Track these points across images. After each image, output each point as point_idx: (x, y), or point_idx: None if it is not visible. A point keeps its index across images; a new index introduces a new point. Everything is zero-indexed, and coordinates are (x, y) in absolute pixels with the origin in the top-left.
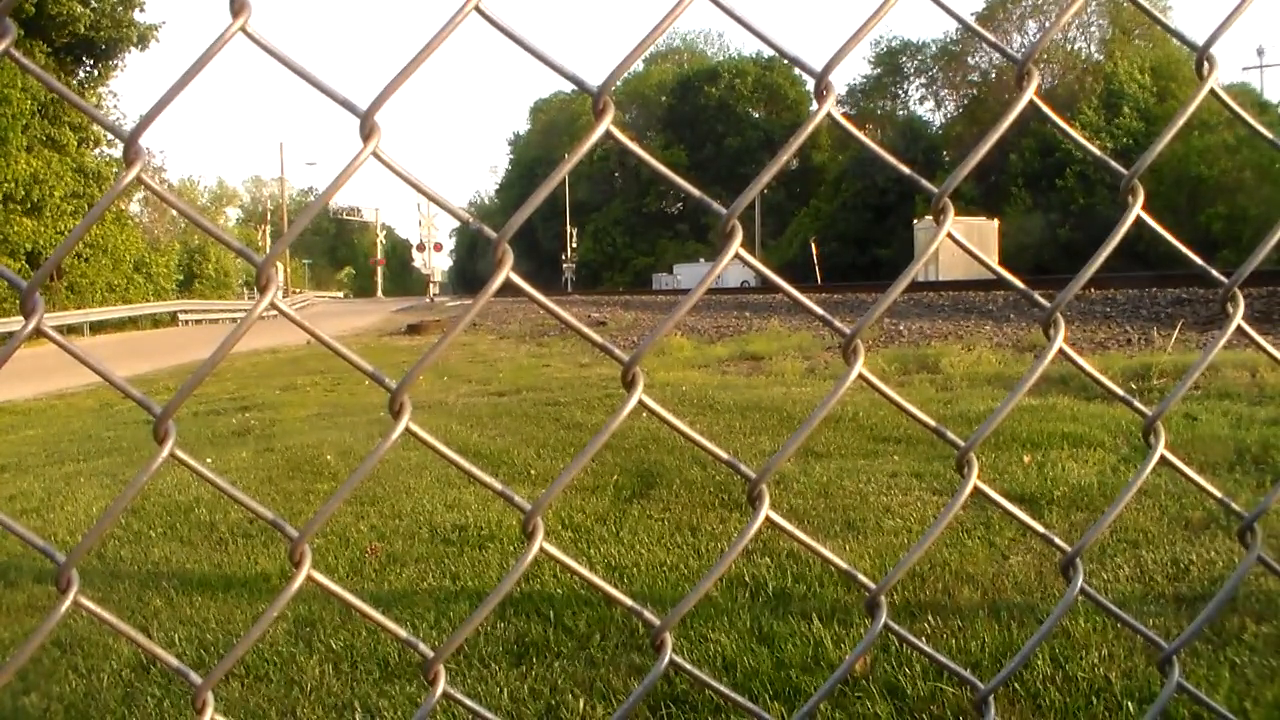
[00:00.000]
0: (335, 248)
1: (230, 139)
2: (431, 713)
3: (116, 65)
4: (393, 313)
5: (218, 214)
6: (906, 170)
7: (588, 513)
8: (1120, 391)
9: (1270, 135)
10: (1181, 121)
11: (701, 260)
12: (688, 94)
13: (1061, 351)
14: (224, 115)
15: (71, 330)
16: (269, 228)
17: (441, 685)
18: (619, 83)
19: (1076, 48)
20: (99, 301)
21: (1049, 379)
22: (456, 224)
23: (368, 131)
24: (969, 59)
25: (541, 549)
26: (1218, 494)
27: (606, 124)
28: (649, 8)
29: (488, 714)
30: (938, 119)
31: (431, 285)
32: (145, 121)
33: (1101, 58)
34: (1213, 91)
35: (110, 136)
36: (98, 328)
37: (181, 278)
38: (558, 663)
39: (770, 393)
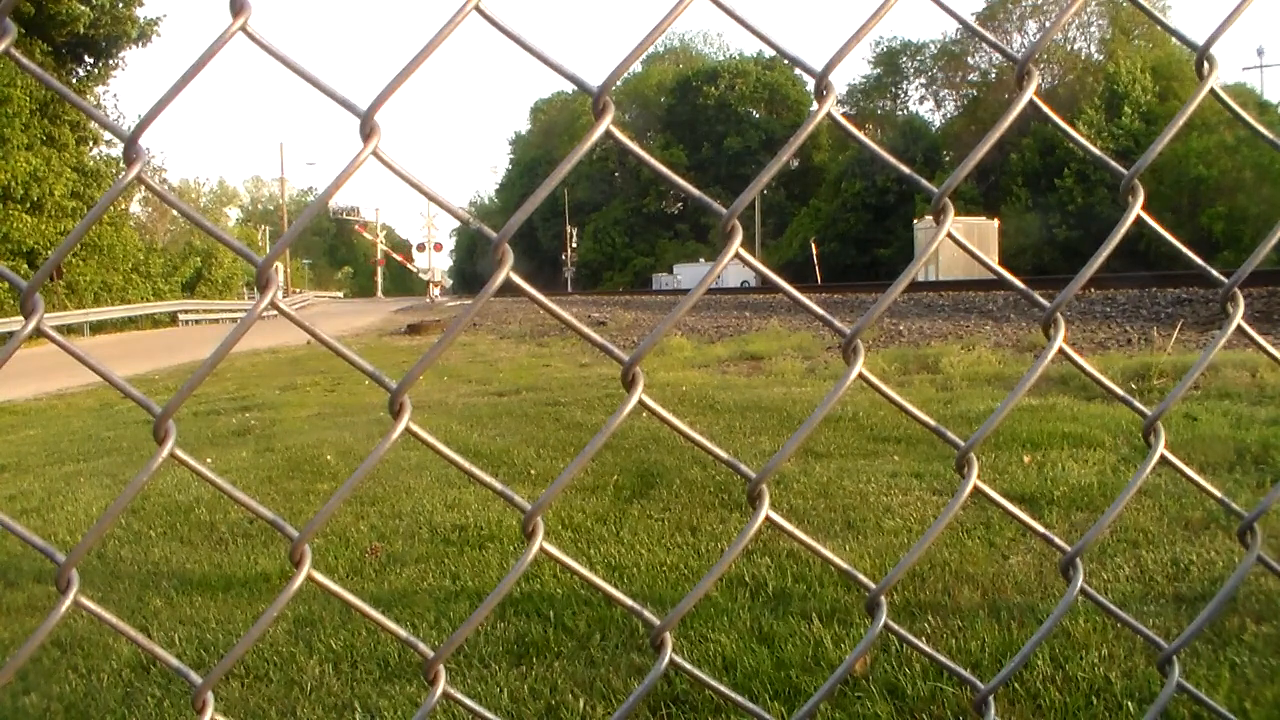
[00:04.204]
0: (335, 248)
1: (230, 139)
2: (431, 713)
3: (116, 64)
4: (392, 313)
5: (218, 214)
6: (906, 170)
7: (588, 513)
8: (1120, 391)
9: (1270, 135)
10: (1181, 121)
11: (701, 260)
12: (687, 94)
13: (1061, 351)
14: (224, 115)
15: (71, 330)
16: (269, 229)
17: (441, 685)
18: (619, 83)
19: (1076, 48)
20: (96, 301)
21: (1049, 379)
22: (456, 224)
23: (368, 131)
24: (969, 59)
25: (541, 549)
26: (1218, 494)
27: (606, 124)
28: (649, 8)
29: (488, 714)
30: (938, 119)
31: (433, 286)
32: (145, 121)
33: (1101, 58)
34: (1213, 91)
35: (109, 135)
36: (98, 328)
37: (186, 280)
38: (558, 663)
39: (770, 393)
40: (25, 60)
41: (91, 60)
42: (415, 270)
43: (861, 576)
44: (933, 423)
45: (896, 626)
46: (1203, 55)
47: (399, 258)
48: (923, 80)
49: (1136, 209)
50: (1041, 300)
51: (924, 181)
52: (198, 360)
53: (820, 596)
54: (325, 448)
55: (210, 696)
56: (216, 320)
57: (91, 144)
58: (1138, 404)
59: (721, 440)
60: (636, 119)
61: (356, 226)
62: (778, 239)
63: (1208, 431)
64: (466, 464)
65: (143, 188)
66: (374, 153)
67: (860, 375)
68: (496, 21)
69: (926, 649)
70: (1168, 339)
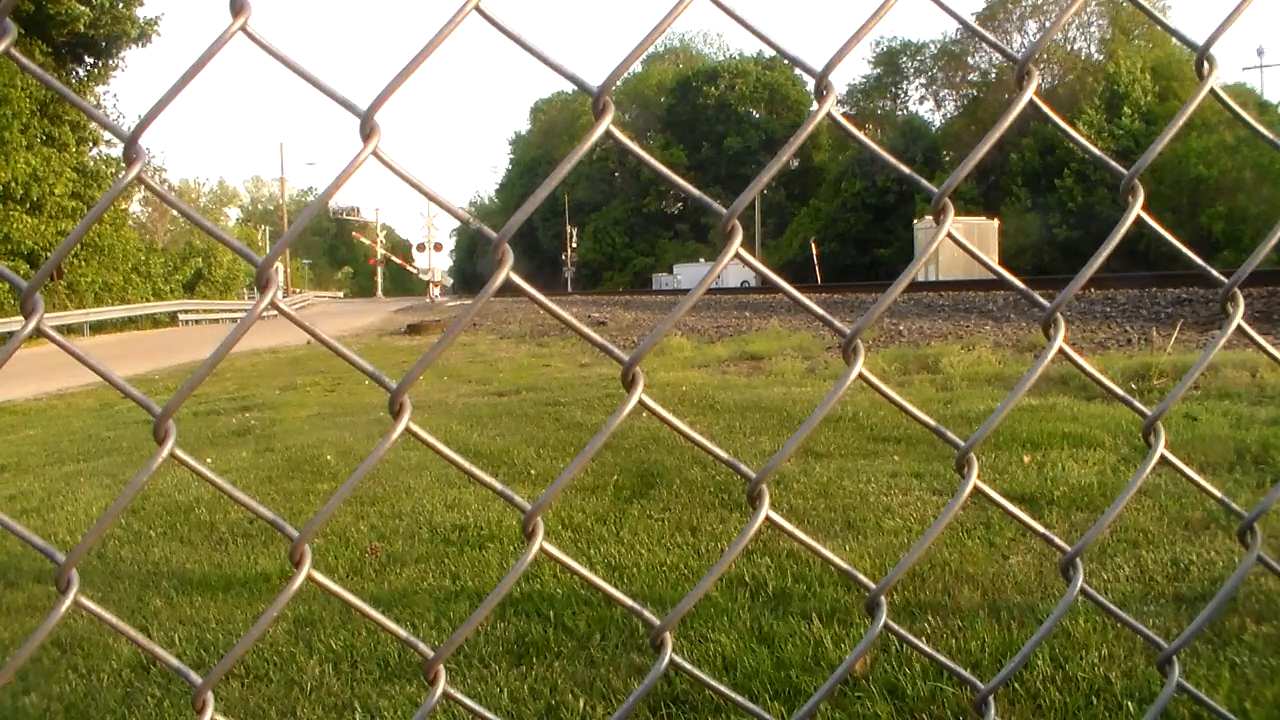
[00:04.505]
0: (335, 248)
1: (230, 139)
2: (431, 713)
3: (116, 64)
4: (392, 313)
5: (218, 214)
6: (906, 170)
7: (588, 513)
8: (1120, 391)
9: (1270, 135)
10: (1181, 121)
11: (701, 260)
12: (687, 94)
13: (1061, 351)
14: (224, 115)
15: (71, 330)
16: (269, 229)
17: (441, 685)
18: (619, 83)
19: (1076, 48)
20: (97, 302)
21: (1049, 379)
22: (456, 224)
23: (368, 131)
24: (969, 59)
25: (541, 549)
26: (1218, 494)
27: (606, 124)
28: (649, 8)
29: (488, 714)
30: (938, 119)
31: (433, 286)
32: (145, 121)
33: (1101, 58)
34: (1213, 91)
35: (109, 136)
36: (98, 328)
37: (186, 280)
38: (558, 663)
39: (770, 393)
40: (25, 60)
41: (91, 60)
42: (415, 271)
43: (861, 576)
44: (933, 423)
45: (896, 626)
46: (1203, 55)
47: (398, 260)
48: (923, 80)
49: (1136, 209)
50: (1041, 300)
51: (924, 181)
52: (198, 360)
53: (820, 596)
54: (325, 448)
55: (210, 696)
56: (216, 320)
57: (91, 144)
58: (1138, 404)
59: (721, 440)
60: (636, 119)
61: (354, 233)
62: (778, 239)
63: (1208, 431)
64: (466, 464)
65: (143, 188)
66: (374, 153)
67: (860, 375)
68: (496, 21)
69: (926, 649)
70: (1168, 339)
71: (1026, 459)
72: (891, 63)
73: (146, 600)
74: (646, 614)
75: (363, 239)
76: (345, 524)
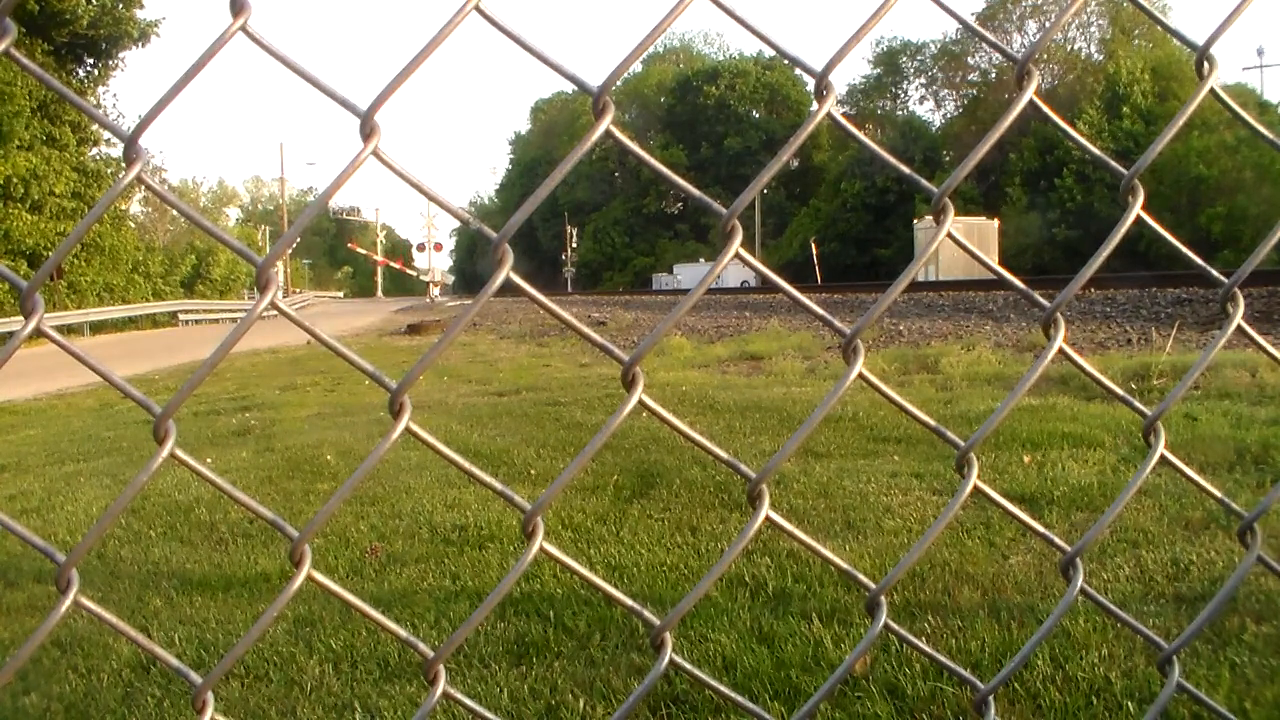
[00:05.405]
0: (335, 248)
1: (230, 139)
2: (431, 713)
3: (116, 64)
4: (392, 313)
5: (218, 214)
6: (906, 170)
7: (588, 513)
8: (1120, 391)
9: (1270, 135)
10: (1181, 121)
11: (701, 260)
12: (687, 94)
13: (1061, 351)
14: (224, 115)
15: (71, 330)
16: (269, 229)
17: (441, 685)
18: (619, 83)
19: (1076, 48)
20: (99, 302)
21: (1049, 379)
22: (456, 224)
23: (368, 131)
24: (969, 59)
25: (541, 549)
26: (1218, 494)
27: (606, 124)
28: (649, 8)
29: (488, 714)
30: (938, 119)
31: (433, 286)
32: (145, 121)
33: (1101, 58)
34: (1213, 91)
35: (109, 136)
36: (98, 328)
37: (183, 279)
38: (558, 663)
39: (770, 393)
40: (25, 60)
41: (92, 61)
42: (415, 273)
43: (861, 576)
44: (933, 423)
45: (896, 626)
46: (1203, 55)
47: (396, 264)
48: (923, 80)
49: (1136, 209)
50: (1041, 300)
51: (924, 181)
52: (198, 360)
53: (820, 596)
54: (325, 448)
55: (210, 696)
56: (216, 320)
57: (91, 144)
58: (1138, 404)
59: (721, 440)
60: (636, 119)
61: (350, 243)
62: (778, 239)
63: (1208, 431)
64: (466, 464)
65: (143, 188)
66: (374, 153)
67: (860, 375)
68: (496, 21)
69: (926, 649)
70: (1167, 339)
71: (1026, 459)
72: (891, 63)
73: (146, 600)
74: (646, 614)
75: (359, 249)
76: (345, 524)
